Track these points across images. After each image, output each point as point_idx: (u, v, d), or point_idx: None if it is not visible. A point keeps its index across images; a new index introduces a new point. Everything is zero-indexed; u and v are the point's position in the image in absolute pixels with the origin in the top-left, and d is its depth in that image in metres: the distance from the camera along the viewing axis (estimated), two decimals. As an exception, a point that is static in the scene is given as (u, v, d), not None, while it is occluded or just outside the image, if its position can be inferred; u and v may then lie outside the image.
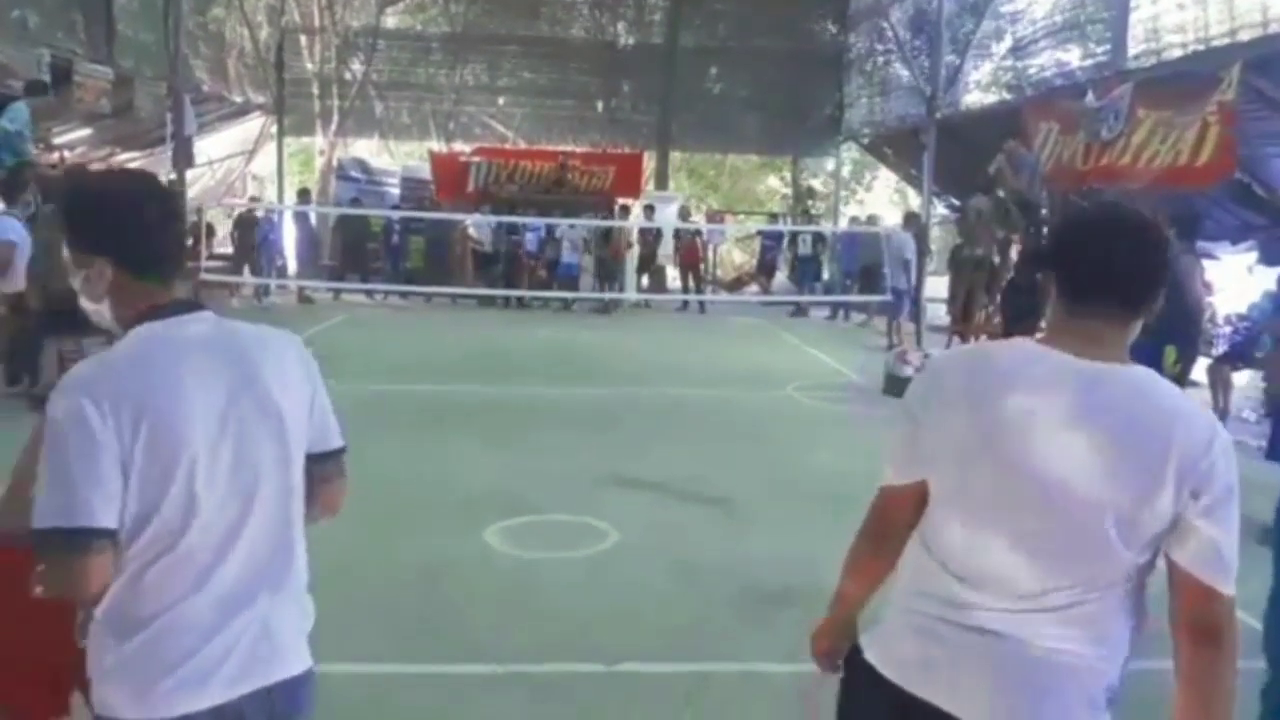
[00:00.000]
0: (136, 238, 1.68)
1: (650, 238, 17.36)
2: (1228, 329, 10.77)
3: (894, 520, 1.80)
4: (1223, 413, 8.65)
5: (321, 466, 1.83)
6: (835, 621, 1.92)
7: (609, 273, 16.53)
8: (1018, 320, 9.43)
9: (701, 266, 17.96)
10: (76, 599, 1.63)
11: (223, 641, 1.65)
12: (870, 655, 1.74)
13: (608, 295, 16.36)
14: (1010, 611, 1.58)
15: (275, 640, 1.72)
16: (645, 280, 17.98)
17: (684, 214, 18.46)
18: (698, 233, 17.84)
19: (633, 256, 16.89)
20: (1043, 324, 1.79)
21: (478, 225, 16.40)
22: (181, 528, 1.61)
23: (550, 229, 16.30)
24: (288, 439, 1.73)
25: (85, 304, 1.73)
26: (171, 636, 1.62)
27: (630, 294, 17.04)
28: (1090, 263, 1.67)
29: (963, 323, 11.98)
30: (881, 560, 1.84)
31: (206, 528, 1.62)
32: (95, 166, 12.43)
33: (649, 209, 17.79)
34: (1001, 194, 11.28)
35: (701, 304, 17.32)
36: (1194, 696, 1.56)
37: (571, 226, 15.71)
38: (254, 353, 1.73)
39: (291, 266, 17.39)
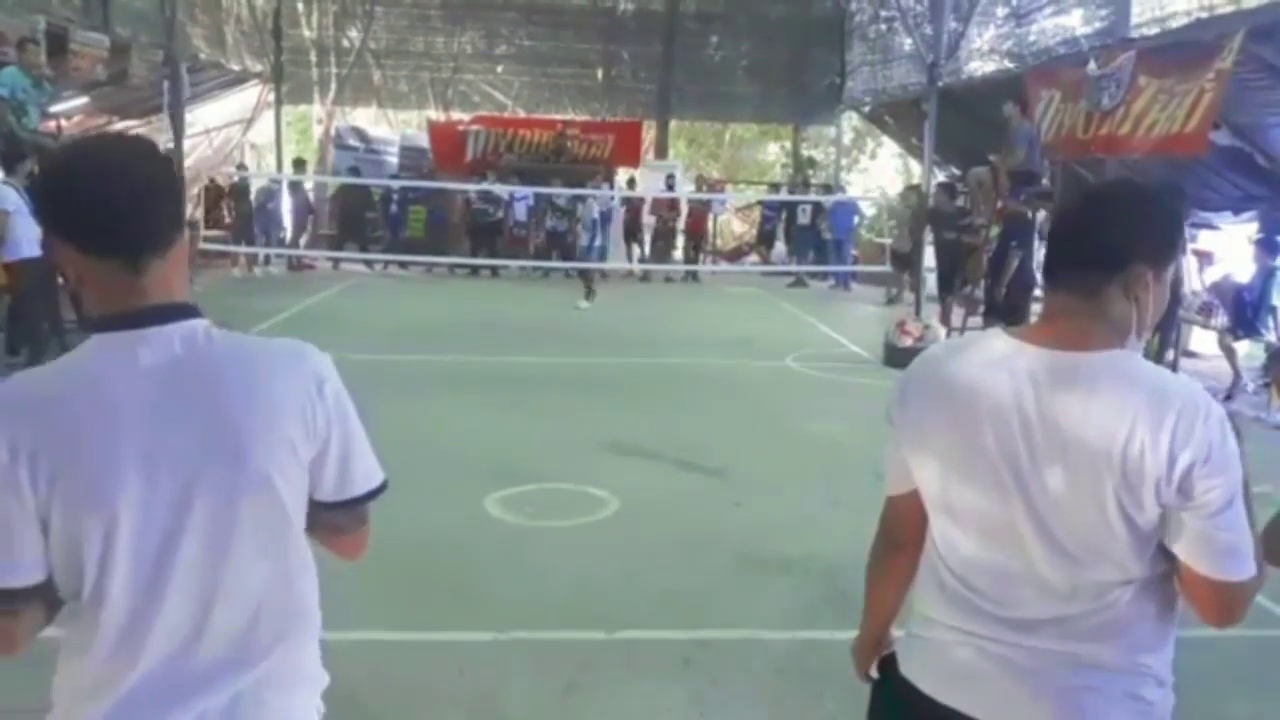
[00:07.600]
0: (87, 209, 1.32)
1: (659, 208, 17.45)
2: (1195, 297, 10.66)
3: (902, 529, 1.74)
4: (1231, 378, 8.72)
5: (331, 515, 1.48)
6: (868, 637, 1.86)
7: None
8: (1008, 295, 9.45)
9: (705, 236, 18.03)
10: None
11: None
12: (907, 670, 1.65)
13: (606, 265, 16.30)
14: (1038, 621, 1.50)
15: None
16: (638, 250, 17.95)
17: (669, 184, 18.17)
18: (706, 203, 17.83)
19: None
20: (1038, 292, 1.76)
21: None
22: (90, 613, 1.32)
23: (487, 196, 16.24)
24: (250, 487, 1.36)
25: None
26: None
27: (623, 264, 17.05)
28: (1053, 229, 1.62)
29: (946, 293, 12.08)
30: (899, 570, 1.78)
31: (115, 611, 1.32)
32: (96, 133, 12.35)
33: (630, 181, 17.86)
34: (993, 159, 11.23)
35: (695, 274, 17.30)
36: None
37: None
38: (226, 378, 1.37)
39: (289, 236, 17.39)
